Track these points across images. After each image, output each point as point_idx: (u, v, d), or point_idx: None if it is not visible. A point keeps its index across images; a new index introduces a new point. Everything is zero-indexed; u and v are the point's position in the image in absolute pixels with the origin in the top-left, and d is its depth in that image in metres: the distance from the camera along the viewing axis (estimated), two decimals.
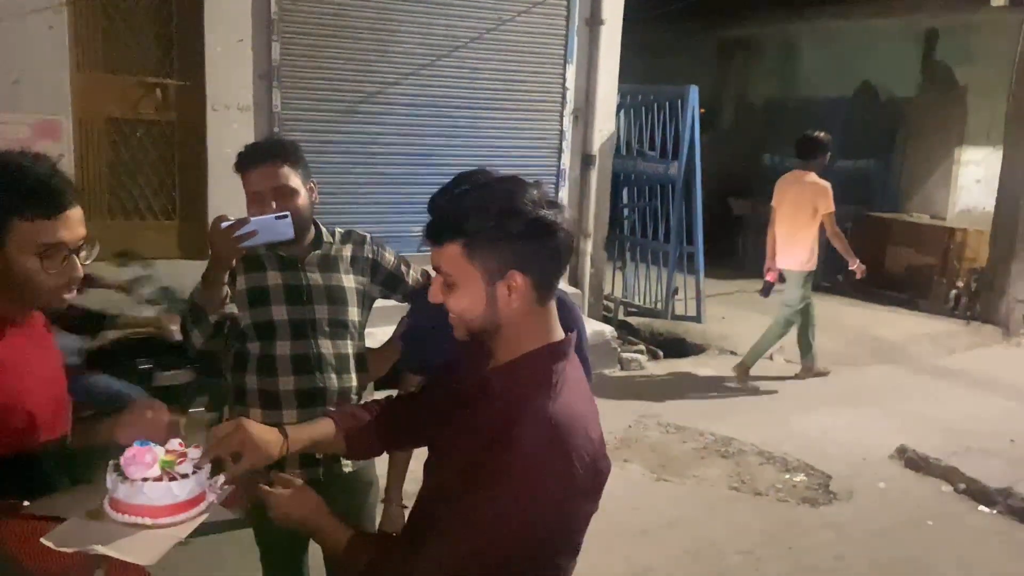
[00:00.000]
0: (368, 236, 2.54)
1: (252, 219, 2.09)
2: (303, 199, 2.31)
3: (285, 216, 2.12)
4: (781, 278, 6.37)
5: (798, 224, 6.18)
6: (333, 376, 2.36)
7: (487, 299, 1.38)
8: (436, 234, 1.39)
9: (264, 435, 1.55)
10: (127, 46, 5.41)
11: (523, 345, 1.42)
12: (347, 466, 2.42)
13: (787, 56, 12.06)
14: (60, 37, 5.08)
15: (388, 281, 2.52)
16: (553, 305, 1.45)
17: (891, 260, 9.50)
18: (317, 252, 2.39)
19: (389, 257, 2.53)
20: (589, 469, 1.35)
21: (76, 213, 1.58)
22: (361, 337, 2.48)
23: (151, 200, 5.64)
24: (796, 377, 6.62)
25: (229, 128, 5.46)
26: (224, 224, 2.07)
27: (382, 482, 2.57)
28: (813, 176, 6.24)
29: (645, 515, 4.14)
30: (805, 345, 6.54)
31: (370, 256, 2.49)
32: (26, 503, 1.44)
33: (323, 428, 1.67)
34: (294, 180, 2.29)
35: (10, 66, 4.96)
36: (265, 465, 1.56)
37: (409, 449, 1.84)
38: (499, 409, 1.38)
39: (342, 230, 2.51)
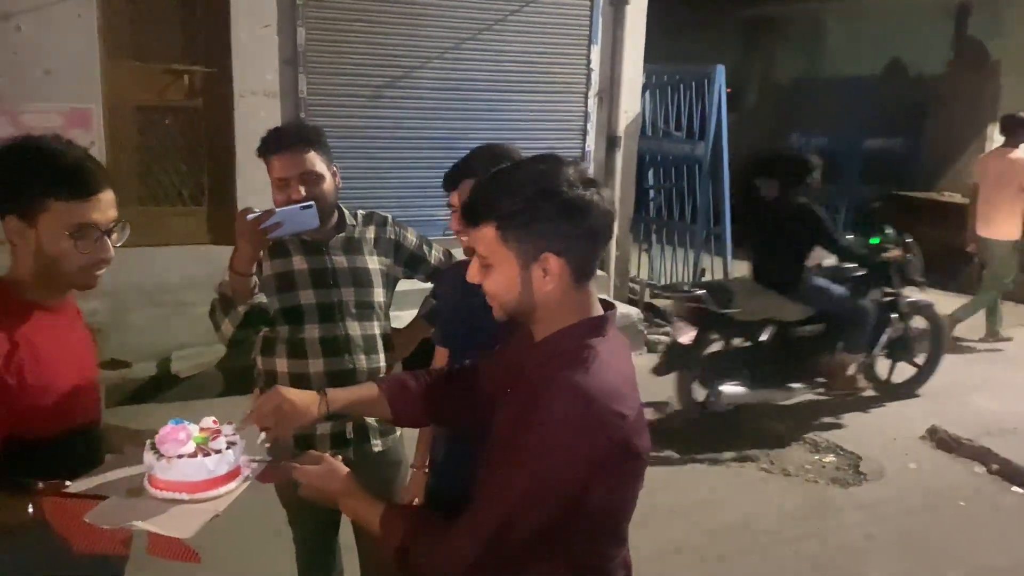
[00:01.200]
0: (389, 217, 2.55)
1: (277, 210, 2.11)
2: (328, 184, 2.32)
3: (310, 206, 2.13)
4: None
5: (1002, 198, 6.61)
6: (362, 357, 2.39)
7: (521, 282, 1.37)
8: (470, 216, 1.39)
9: (301, 397, 1.62)
10: (154, 34, 5.47)
11: (561, 321, 1.41)
12: (377, 445, 2.45)
13: (814, 34, 11.88)
14: (89, 26, 5.14)
15: (411, 261, 2.54)
16: (592, 285, 1.43)
17: (921, 240, 9.35)
18: (341, 235, 2.41)
19: (411, 237, 2.55)
20: (619, 447, 1.34)
21: (108, 196, 1.62)
22: (387, 317, 2.50)
23: (180, 186, 5.70)
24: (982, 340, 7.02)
25: (256, 114, 5.49)
26: (250, 216, 2.09)
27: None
28: (1018, 152, 6.62)
29: (675, 495, 4.14)
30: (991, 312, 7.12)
31: (392, 237, 2.50)
32: (68, 483, 1.47)
33: (365, 390, 1.71)
34: (320, 165, 2.30)
35: (41, 56, 5.03)
36: (307, 424, 1.63)
37: (454, 424, 1.84)
38: (532, 384, 1.37)
39: (364, 212, 2.53)
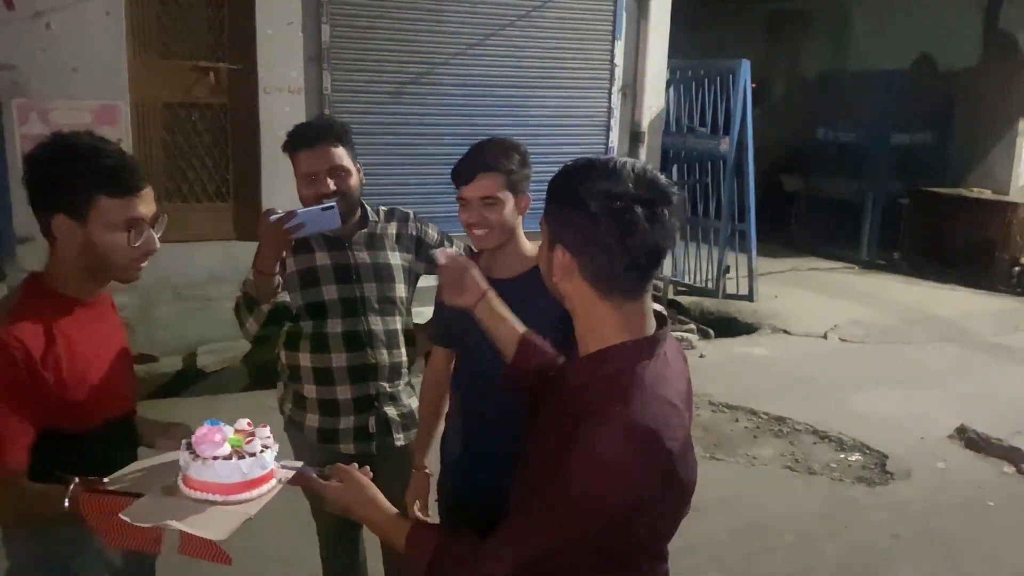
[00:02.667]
0: (411, 213, 2.57)
1: (299, 212, 2.12)
2: (354, 179, 2.34)
3: (332, 207, 2.14)
4: None
5: None
6: (384, 351, 2.41)
7: (548, 263, 1.37)
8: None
9: (475, 274, 1.78)
10: (181, 31, 5.51)
11: (604, 337, 1.34)
12: (399, 439, 2.47)
13: (840, 27, 11.75)
14: (117, 24, 5.19)
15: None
16: (639, 304, 1.35)
17: (949, 236, 9.26)
18: (363, 231, 2.43)
19: (432, 233, 2.57)
20: (664, 479, 1.29)
21: (150, 190, 1.66)
22: (408, 313, 2.53)
23: (206, 183, 5.75)
24: None
25: (281, 110, 5.53)
26: (273, 217, 2.11)
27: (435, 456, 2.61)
28: None
29: (698, 493, 4.04)
30: None
31: (414, 233, 2.52)
32: (106, 479, 1.49)
33: (515, 321, 1.77)
34: (346, 160, 2.32)
35: (70, 54, 5.08)
36: (473, 303, 1.77)
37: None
38: (573, 408, 1.32)
39: (386, 208, 2.55)
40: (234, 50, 5.59)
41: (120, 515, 1.35)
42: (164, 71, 5.47)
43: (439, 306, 2.30)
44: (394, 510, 1.49)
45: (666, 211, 1.29)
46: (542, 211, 1.37)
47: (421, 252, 2.53)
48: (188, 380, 5.33)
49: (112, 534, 1.40)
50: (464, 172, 2.03)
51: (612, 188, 1.27)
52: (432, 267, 2.55)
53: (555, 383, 1.45)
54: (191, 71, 5.53)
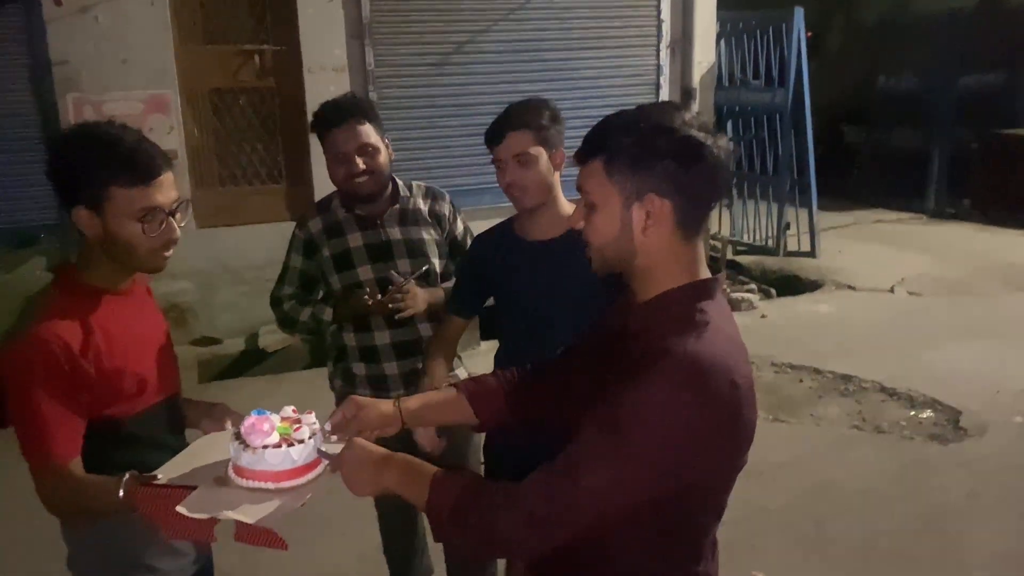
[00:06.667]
0: (447, 195, 2.58)
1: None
2: (383, 156, 2.35)
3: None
4: None
5: None
6: (427, 324, 2.45)
7: (621, 223, 1.30)
8: (582, 152, 1.34)
9: (378, 404, 1.59)
10: (224, 16, 5.54)
11: (664, 283, 1.33)
12: None
13: None
14: (162, 14, 5.25)
15: (452, 245, 2.57)
16: (700, 244, 1.35)
17: (1023, 180, 8.86)
18: (395, 207, 2.45)
19: (460, 224, 2.59)
20: (730, 418, 1.25)
21: (168, 177, 1.63)
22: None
23: (258, 166, 5.80)
24: None
25: (326, 89, 5.50)
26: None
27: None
28: None
29: (761, 456, 3.97)
30: None
31: (445, 213, 2.54)
32: (158, 473, 1.51)
33: (440, 394, 1.67)
34: (375, 137, 2.33)
35: (118, 46, 5.16)
36: (385, 433, 1.58)
37: (542, 424, 1.65)
38: (638, 348, 1.29)
39: (422, 185, 2.55)
40: (277, 31, 5.61)
41: (177, 508, 1.37)
42: (210, 57, 5.52)
43: (462, 274, 2.34)
44: (413, 460, 1.40)
45: (720, 136, 1.30)
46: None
47: (446, 235, 2.55)
48: (251, 360, 5.44)
49: (168, 525, 1.42)
50: (494, 133, 2.11)
51: (675, 121, 1.27)
52: (450, 255, 2.57)
53: (609, 340, 1.40)
54: (236, 55, 5.57)
